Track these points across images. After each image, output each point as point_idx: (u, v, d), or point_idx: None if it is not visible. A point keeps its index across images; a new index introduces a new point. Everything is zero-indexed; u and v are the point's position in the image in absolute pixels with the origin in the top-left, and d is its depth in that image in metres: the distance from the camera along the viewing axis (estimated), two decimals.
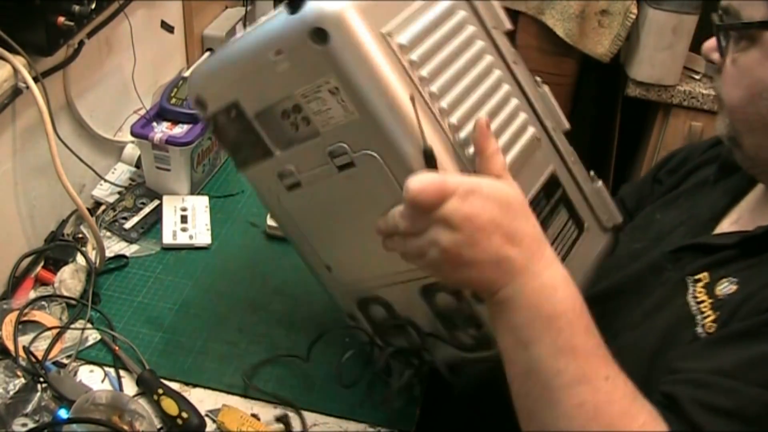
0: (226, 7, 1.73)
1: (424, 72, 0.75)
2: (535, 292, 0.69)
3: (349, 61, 0.72)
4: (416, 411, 0.98)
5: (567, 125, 0.86)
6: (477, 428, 1.02)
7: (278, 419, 0.95)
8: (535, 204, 0.79)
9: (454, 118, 0.76)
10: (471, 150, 0.76)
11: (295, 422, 0.95)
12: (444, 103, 0.76)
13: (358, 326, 0.95)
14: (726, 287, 0.78)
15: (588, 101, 2.09)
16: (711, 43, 0.83)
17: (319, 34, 0.71)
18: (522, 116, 0.83)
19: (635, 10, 1.75)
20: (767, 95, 0.75)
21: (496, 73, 0.82)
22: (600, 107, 2.11)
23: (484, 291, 0.71)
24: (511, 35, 0.86)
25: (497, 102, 0.81)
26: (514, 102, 0.83)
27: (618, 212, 0.92)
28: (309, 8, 0.72)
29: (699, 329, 0.77)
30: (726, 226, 0.87)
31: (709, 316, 0.77)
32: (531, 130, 0.83)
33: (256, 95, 0.81)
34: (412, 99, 0.73)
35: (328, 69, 0.73)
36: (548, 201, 0.81)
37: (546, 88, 0.87)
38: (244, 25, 1.74)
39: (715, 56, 0.82)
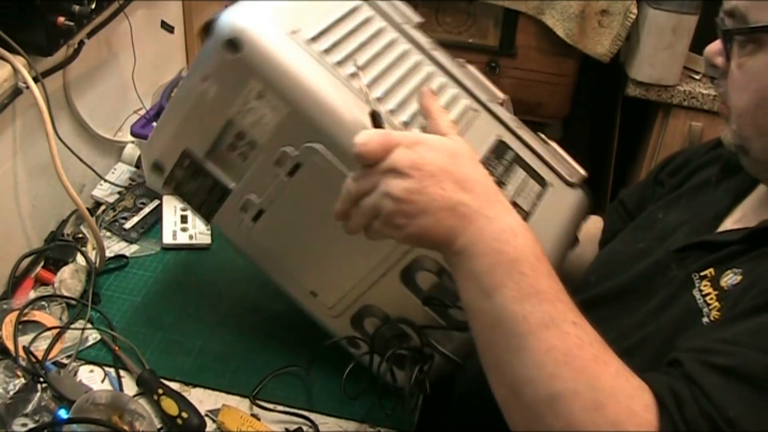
0: (226, 7, 1.73)
1: (337, 58, 0.82)
2: (494, 236, 0.68)
3: (264, 59, 0.80)
4: (416, 411, 0.97)
5: (501, 96, 0.90)
6: (476, 429, 1.02)
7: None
8: (485, 166, 0.82)
9: (379, 92, 0.81)
10: (401, 118, 0.81)
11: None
12: (365, 80, 0.81)
13: (356, 336, 0.95)
14: (731, 278, 0.77)
15: (588, 101, 2.09)
16: (714, 46, 0.82)
17: (232, 44, 0.80)
18: (450, 91, 0.87)
19: (635, 10, 1.75)
20: None
21: (414, 58, 0.87)
22: (600, 107, 2.11)
23: (443, 242, 0.70)
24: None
25: (421, 80, 0.86)
26: (439, 80, 0.87)
27: (580, 167, 0.91)
28: (218, 26, 0.81)
29: (705, 319, 0.76)
30: (729, 224, 0.87)
31: (714, 306, 0.76)
32: (464, 102, 0.87)
33: (200, 134, 0.88)
34: (357, 67, 0.79)
35: (249, 74, 0.81)
36: (500, 161, 0.84)
37: (471, 67, 0.91)
38: None
39: (719, 60, 0.80)
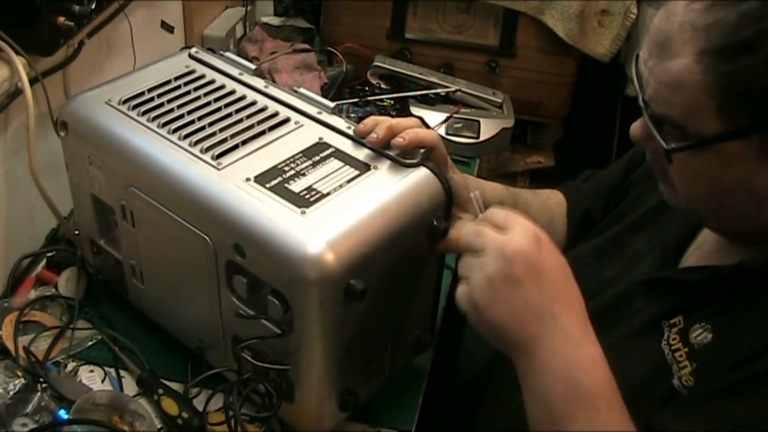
0: (226, 7, 1.73)
1: (148, 110, 0.92)
2: (575, 364, 0.68)
3: (79, 124, 0.94)
4: (416, 411, 0.98)
5: (331, 105, 0.97)
6: (476, 428, 1.02)
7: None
8: (294, 163, 0.88)
9: (202, 124, 0.91)
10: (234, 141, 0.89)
11: None
12: (188, 129, 0.90)
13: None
14: (701, 335, 0.76)
15: (588, 101, 2.09)
16: (640, 131, 0.78)
17: (62, 125, 0.95)
18: (278, 113, 0.96)
19: (635, 10, 1.75)
20: (732, 192, 0.72)
21: (239, 95, 0.98)
22: (600, 107, 2.11)
23: (519, 346, 0.70)
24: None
25: (248, 114, 0.95)
26: (261, 105, 0.96)
27: (418, 152, 0.90)
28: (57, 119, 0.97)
29: (675, 381, 0.76)
30: (692, 252, 0.86)
31: (685, 366, 0.76)
32: (287, 119, 0.95)
33: (88, 220, 1.02)
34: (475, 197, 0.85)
35: (79, 143, 0.94)
36: (309, 158, 0.89)
37: (304, 90, 0.99)
38: (244, 25, 1.74)
39: (652, 144, 0.77)
